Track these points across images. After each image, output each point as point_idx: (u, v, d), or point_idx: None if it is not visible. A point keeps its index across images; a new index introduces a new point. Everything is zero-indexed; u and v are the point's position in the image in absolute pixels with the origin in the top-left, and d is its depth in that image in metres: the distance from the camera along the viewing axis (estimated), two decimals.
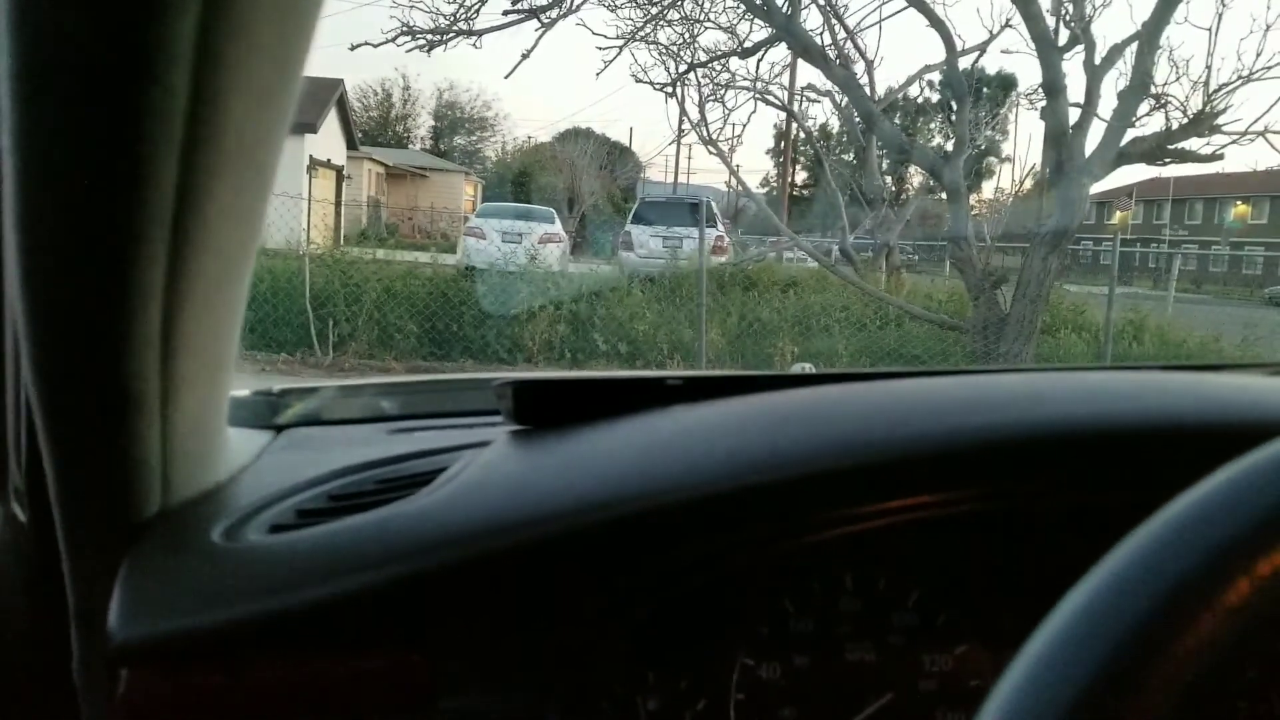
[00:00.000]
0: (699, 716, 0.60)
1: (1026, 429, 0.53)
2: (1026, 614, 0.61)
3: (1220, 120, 5.42)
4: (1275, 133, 5.46)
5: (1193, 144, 5.51)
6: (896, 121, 7.82)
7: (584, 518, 0.51)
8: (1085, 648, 0.27)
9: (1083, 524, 0.60)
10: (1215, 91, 5.42)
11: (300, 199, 10.31)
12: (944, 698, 0.61)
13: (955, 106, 6.26)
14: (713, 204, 10.55)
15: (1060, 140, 5.34)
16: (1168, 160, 5.65)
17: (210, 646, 0.49)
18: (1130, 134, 5.43)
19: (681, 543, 0.52)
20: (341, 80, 15.53)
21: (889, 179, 8.63)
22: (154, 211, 0.43)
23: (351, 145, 16.71)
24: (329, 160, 14.53)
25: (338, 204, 13.74)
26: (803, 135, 10.32)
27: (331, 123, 15.11)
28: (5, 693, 0.60)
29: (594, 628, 0.53)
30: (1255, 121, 5.48)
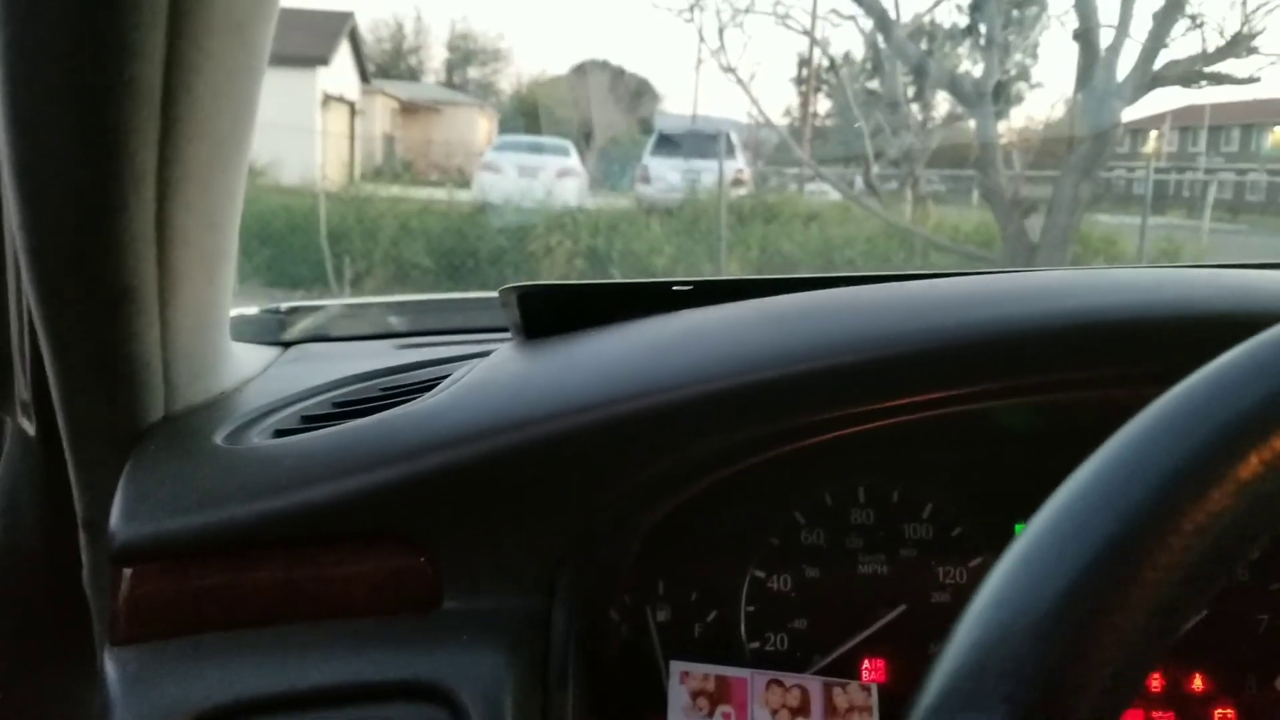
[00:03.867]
0: (709, 628, 0.60)
1: (1038, 321, 0.51)
2: None
3: (1258, 42, 5.22)
4: None
5: (1229, 67, 5.31)
6: (924, 47, 7.60)
7: (586, 416, 0.50)
8: (1084, 529, 0.25)
9: (1100, 430, 0.58)
10: (1253, 11, 5.21)
11: (314, 133, 10.23)
12: (957, 610, 0.60)
13: (985, 30, 6.06)
14: (732, 135, 10.35)
15: (1092, 63, 5.17)
16: (1203, 83, 5.46)
17: (212, 546, 0.49)
18: (1164, 56, 5.25)
19: (685, 442, 0.51)
20: (352, 13, 15.27)
21: (915, 107, 8.40)
22: (141, 88, 0.41)
23: (364, 79, 16.49)
24: (341, 95, 14.37)
25: (351, 139, 13.62)
26: (826, 63, 10.07)
27: (343, 56, 14.89)
28: (22, 604, 0.60)
29: (599, 529, 0.52)
30: None
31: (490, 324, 0.81)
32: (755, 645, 0.60)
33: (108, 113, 0.41)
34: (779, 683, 0.57)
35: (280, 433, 0.55)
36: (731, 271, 6.68)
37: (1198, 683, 0.58)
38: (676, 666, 0.58)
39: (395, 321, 0.85)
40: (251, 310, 0.83)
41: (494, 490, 0.50)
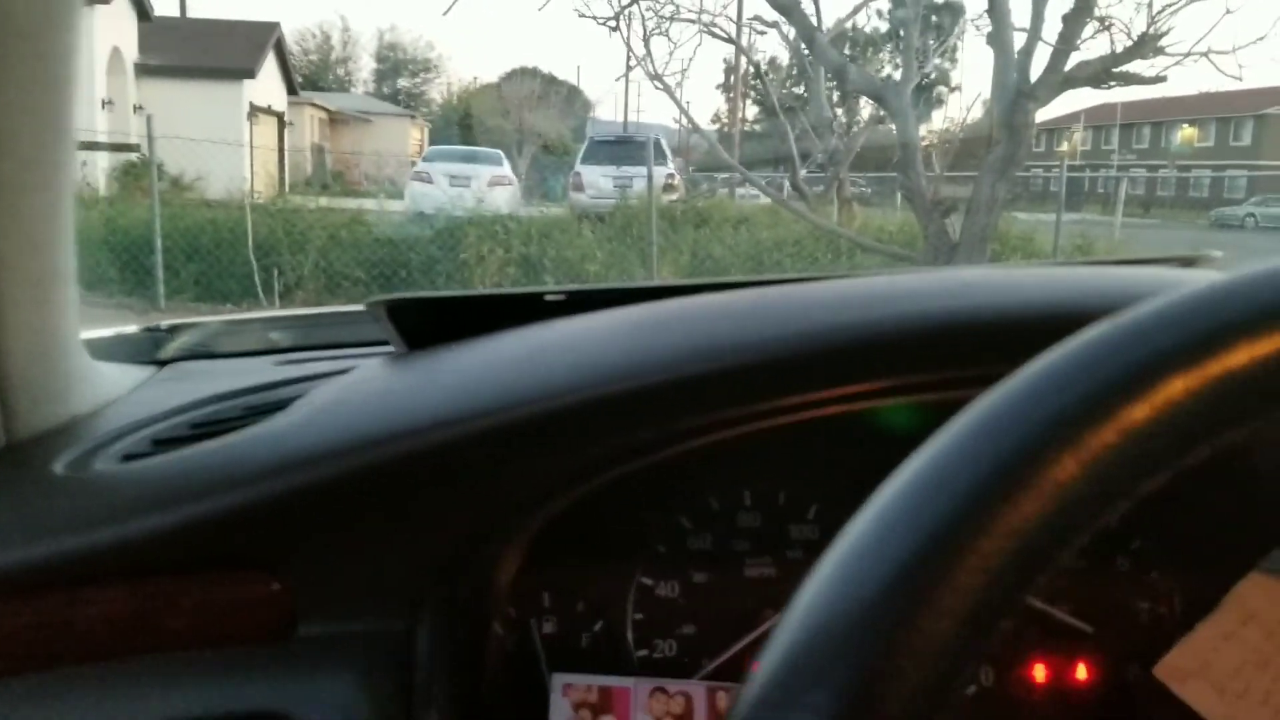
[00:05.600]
0: (596, 638, 0.59)
1: (900, 324, 0.51)
2: None
3: (1164, 42, 5.42)
4: (1219, 53, 5.50)
5: (1137, 67, 5.51)
6: (846, 52, 7.73)
7: (442, 433, 0.49)
8: (892, 534, 0.25)
9: None
10: (1159, 13, 5.42)
11: (241, 146, 9.98)
12: None
13: (903, 34, 6.19)
14: (663, 141, 10.41)
15: (1006, 66, 5.32)
16: (1112, 84, 5.65)
17: (46, 579, 0.46)
18: (1075, 58, 5.42)
19: (544, 456, 0.50)
20: (278, 24, 14.96)
21: (839, 111, 8.54)
22: None
23: (292, 91, 16.17)
24: (269, 106, 14.07)
25: (280, 151, 13.32)
26: (752, 69, 10.18)
27: (270, 68, 14.58)
28: None
29: (464, 547, 0.51)
30: (1198, 42, 5.51)
31: (374, 337, 0.79)
32: (643, 653, 0.59)
33: None
34: (663, 690, 0.57)
35: (129, 457, 0.53)
36: (664, 276, 6.70)
37: (1081, 672, 0.59)
38: (559, 679, 0.57)
39: (277, 336, 0.83)
40: (130, 329, 0.80)
41: (347, 512, 0.49)
